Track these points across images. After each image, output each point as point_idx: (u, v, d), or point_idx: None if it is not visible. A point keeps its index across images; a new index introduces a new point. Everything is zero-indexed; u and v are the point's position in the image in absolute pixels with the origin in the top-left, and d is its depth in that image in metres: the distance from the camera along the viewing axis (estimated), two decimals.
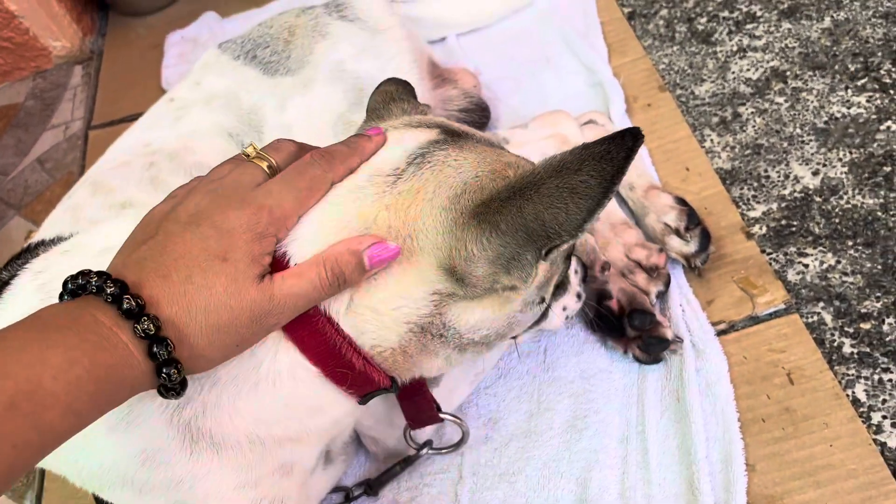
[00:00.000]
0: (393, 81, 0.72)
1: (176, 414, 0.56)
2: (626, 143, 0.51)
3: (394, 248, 0.54)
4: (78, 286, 0.47)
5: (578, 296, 0.75)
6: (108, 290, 0.46)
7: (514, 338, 0.70)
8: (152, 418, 0.56)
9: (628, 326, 0.83)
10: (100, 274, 0.48)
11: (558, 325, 0.73)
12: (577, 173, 0.51)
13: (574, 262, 0.74)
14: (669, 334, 0.83)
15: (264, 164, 0.56)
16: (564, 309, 0.73)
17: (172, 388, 0.48)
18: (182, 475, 0.58)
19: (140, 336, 0.46)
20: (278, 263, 0.53)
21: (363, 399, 0.61)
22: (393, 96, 0.69)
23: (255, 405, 0.57)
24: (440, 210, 0.54)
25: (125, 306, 0.46)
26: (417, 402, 0.72)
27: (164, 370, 0.47)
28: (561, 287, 0.70)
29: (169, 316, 0.47)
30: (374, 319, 0.56)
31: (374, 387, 0.60)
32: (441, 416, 0.75)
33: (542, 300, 0.63)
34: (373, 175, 0.57)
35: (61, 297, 0.49)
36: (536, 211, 0.51)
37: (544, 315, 0.68)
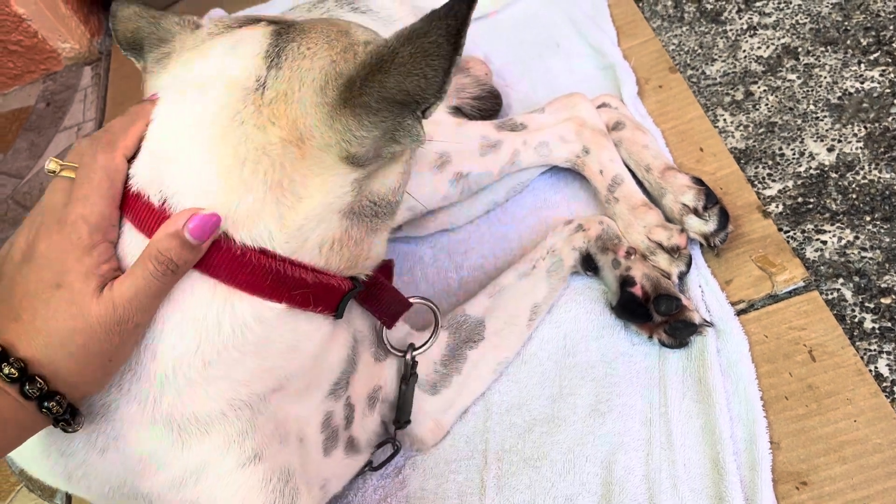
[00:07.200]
0: (124, 3, 0.66)
1: (156, 410, 0.55)
2: None
3: (211, 215, 0.52)
4: None
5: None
6: None
7: None
8: (135, 424, 0.55)
9: (654, 312, 0.83)
10: None
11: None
12: (426, 36, 0.51)
13: None
14: (697, 318, 0.82)
15: (73, 175, 0.54)
16: None
17: (63, 419, 0.50)
18: (181, 473, 0.56)
19: (8, 381, 0.47)
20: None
21: (337, 312, 0.61)
22: (146, 13, 0.65)
23: (225, 368, 0.55)
24: (314, 107, 0.55)
25: None
26: (381, 297, 0.70)
27: (45, 405, 0.48)
28: None
29: (31, 356, 0.48)
30: (311, 224, 0.56)
31: (338, 293, 0.60)
32: (410, 300, 0.74)
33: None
34: (244, 95, 0.55)
35: None
36: (397, 82, 0.52)
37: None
